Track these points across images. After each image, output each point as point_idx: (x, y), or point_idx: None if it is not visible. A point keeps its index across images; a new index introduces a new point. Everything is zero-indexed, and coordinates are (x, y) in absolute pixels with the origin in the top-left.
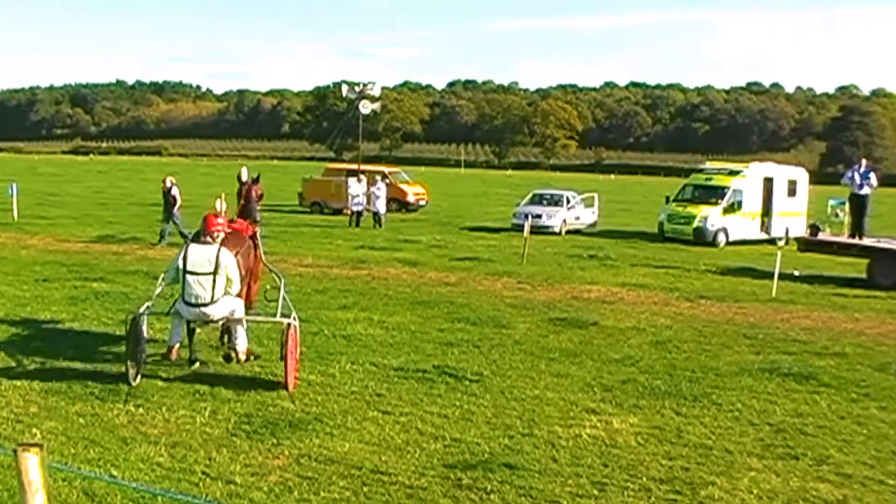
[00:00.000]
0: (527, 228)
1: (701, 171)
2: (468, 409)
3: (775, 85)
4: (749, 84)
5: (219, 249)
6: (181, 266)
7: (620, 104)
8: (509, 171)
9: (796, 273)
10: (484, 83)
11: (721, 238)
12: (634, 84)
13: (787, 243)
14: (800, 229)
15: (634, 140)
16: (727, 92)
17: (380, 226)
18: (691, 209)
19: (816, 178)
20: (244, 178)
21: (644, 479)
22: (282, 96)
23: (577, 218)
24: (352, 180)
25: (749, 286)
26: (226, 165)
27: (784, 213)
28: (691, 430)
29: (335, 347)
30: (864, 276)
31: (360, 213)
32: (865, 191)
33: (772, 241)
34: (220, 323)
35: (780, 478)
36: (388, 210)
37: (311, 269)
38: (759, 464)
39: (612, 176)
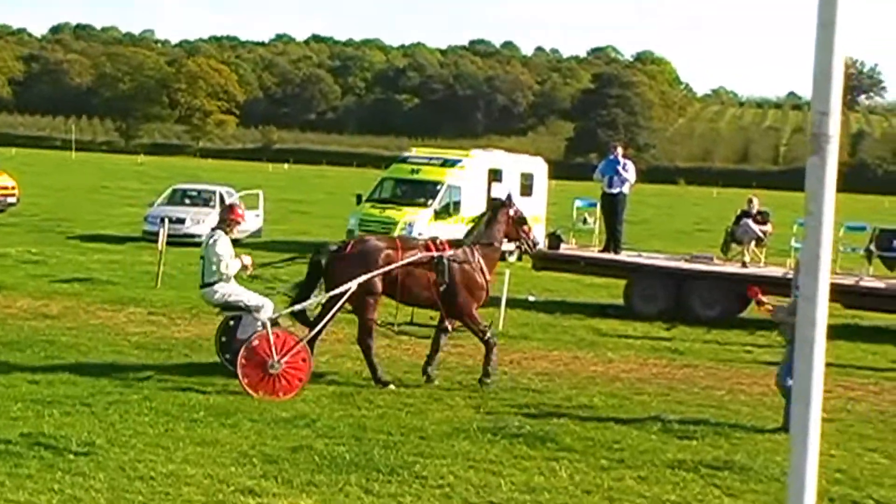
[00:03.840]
0: (163, 238)
1: (405, 160)
2: (73, 493)
3: (509, 45)
4: (473, 43)
5: (211, 235)
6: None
7: (298, 67)
8: (141, 158)
9: (531, 299)
10: (104, 30)
11: None
12: (317, 39)
13: (519, 258)
14: (537, 239)
15: (317, 116)
16: (444, 53)
17: None
18: (391, 213)
19: (561, 172)
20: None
21: None
22: None
23: None
24: None
25: None
26: None
27: None
28: None
29: None
30: (620, 301)
31: None
32: (620, 188)
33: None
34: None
35: None
36: None
37: None
38: None
39: (286, 165)
